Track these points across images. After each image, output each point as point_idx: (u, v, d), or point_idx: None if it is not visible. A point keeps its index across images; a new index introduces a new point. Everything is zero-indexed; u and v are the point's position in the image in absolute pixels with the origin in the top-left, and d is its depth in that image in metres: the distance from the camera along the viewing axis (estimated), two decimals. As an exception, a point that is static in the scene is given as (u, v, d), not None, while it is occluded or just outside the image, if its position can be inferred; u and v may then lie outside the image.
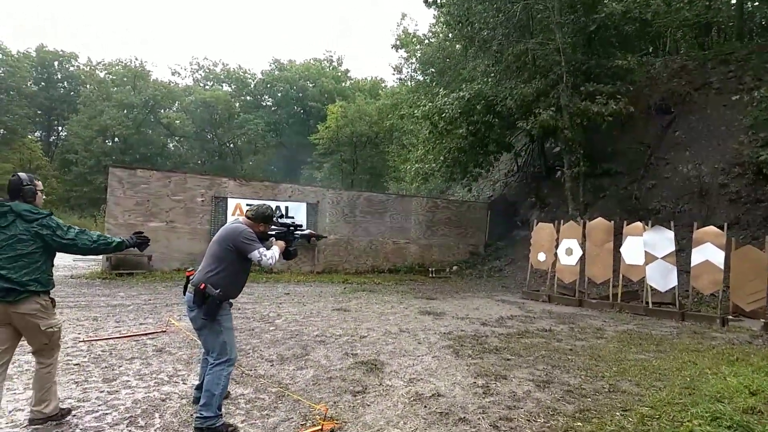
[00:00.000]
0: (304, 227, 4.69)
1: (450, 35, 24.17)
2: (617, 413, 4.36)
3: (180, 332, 6.89)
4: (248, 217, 4.10)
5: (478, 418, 4.20)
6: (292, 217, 4.68)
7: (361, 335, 7.14)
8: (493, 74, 17.11)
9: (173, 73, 66.48)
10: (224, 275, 3.88)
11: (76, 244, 3.67)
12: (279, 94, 51.52)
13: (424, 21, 75.17)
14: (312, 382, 5.08)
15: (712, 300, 10.50)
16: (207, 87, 50.97)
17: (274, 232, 4.35)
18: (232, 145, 49.69)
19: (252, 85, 52.91)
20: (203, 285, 3.78)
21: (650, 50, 20.84)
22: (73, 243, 3.66)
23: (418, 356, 6.14)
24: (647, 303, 10.19)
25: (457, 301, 11.04)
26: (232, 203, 14.48)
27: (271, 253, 3.94)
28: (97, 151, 39.42)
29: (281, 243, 4.27)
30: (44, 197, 3.92)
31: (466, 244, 18.27)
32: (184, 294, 4.07)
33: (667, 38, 22.12)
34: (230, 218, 14.46)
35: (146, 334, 6.73)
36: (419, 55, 28.99)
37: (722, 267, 9.13)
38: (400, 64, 33.62)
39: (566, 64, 14.49)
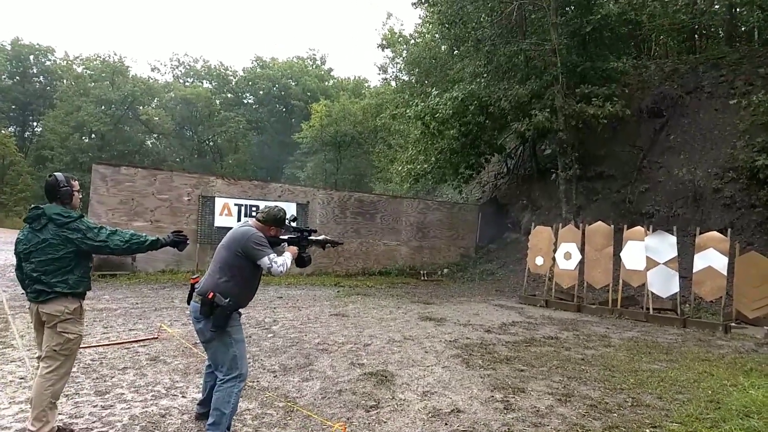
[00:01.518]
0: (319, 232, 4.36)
1: (437, 35, 24.01)
2: (647, 430, 4.13)
3: (173, 339, 6.51)
4: (259, 220, 3.76)
5: (505, 438, 3.94)
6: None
7: (365, 343, 6.82)
8: (485, 75, 16.94)
9: (153, 69, 65.24)
10: (234, 283, 3.55)
11: (108, 246, 3.49)
12: (261, 92, 50.89)
13: (409, 21, 75.18)
14: (320, 395, 4.76)
15: (710, 306, 10.43)
16: (187, 83, 50.14)
17: (286, 237, 4.02)
18: (212, 143, 48.91)
19: (233, 83, 52.19)
20: (211, 294, 3.45)
21: (637, 55, 20.87)
22: (105, 245, 3.48)
23: (428, 366, 5.85)
24: (648, 309, 10.05)
25: (455, 306, 10.79)
26: (219, 203, 14.05)
27: (282, 260, 3.61)
28: (74, 148, 38.44)
29: (294, 249, 3.92)
30: (79, 196, 3.69)
31: (457, 247, 18.07)
32: (188, 303, 3.73)
33: (652, 42, 22.25)
34: (218, 218, 14.05)
35: (137, 341, 6.34)
36: (405, 54, 28.75)
37: (725, 273, 9.03)
38: (386, 63, 33.49)
39: (561, 66, 14.37)
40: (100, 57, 44.59)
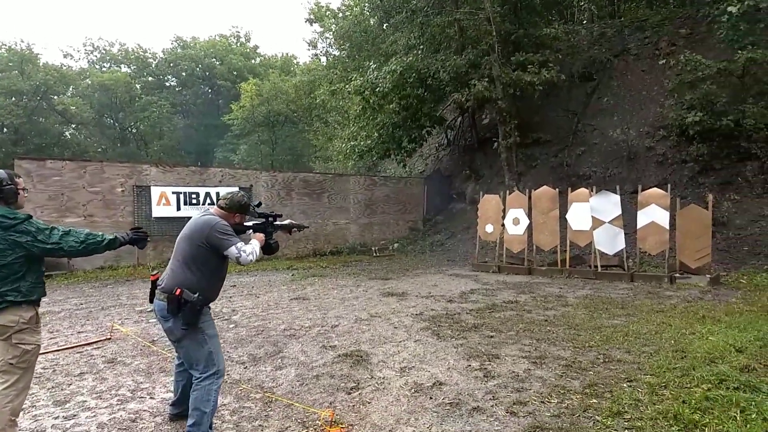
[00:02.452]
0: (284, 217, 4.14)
1: (366, 8, 23.59)
2: (624, 385, 4.27)
3: (128, 338, 6.13)
4: (221, 207, 3.51)
5: (492, 405, 3.95)
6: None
7: (332, 324, 6.69)
8: (422, 46, 16.83)
9: (65, 56, 60.58)
10: (200, 276, 3.33)
11: (62, 248, 3.15)
12: (183, 74, 48.42)
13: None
14: (297, 382, 4.62)
15: (652, 260, 10.98)
16: (104, 69, 47.04)
17: (251, 224, 3.79)
18: (135, 130, 46.36)
19: (153, 65, 49.33)
20: (179, 290, 3.21)
21: (564, 21, 21.34)
22: (58, 247, 3.14)
23: (400, 342, 5.81)
24: (596, 267, 10.46)
25: (412, 279, 10.82)
26: (156, 192, 13.32)
27: (251, 248, 3.41)
28: (-15, 144, 35.49)
29: (260, 236, 3.71)
30: (24, 195, 3.34)
31: (406, 221, 18.11)
32: (151, 301, 3.46)
33: (575, 9, 22.83)
34: (155, 208, 13.36)
35: (90, 344, 5.92)
36: (335, 29, 28.08)
37: (667, 227, 9.49)
38: (315, 38, 32.69)
39: (496, 34, 14.46)
40: (6, 45, 40.98)
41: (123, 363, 5.21)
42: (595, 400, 3.95)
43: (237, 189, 3.85)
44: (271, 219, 3.84)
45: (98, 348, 5.77)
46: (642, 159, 14.10)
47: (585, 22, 21.65)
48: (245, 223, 3.71)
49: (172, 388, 4.04)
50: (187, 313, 3.22)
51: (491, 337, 5.93)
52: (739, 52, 11.17)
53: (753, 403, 3.68)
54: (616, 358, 4.98)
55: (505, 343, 5.66)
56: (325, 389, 4.41)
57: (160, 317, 3.38)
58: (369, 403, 4.09)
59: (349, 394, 4.30)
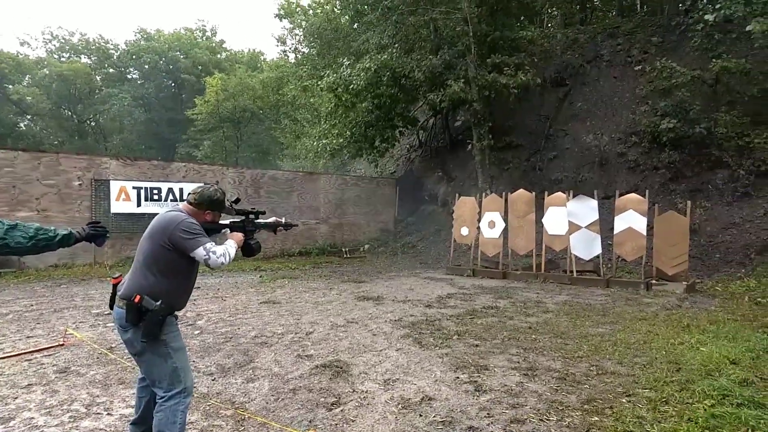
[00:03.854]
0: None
1: (338, 5, 23.16)
2: (623, 400, 4.03)
3: (83, 345, 5.60)
4: (190, 203, 3.05)
5: (488, 424, 3.64)
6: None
7: (307, 331, 6.28)
8: (397, 45, 16.53)
9: (22, 44, 57.84)
10: (164, 281, 2.89)
11: (8, 244, 2.68)
12: (146, 66, 46.70)
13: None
14: (272, 396, 4.21)
15: (626, 265, 10.96)
16: (63, 59, 45.07)
17: (227, 222, 3.36)
18: (93, 123, 44.61)
19: (115, 57, 47.56)
20: (138, 297, 2.78)
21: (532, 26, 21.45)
22: (3, 243, 2.67)
23: (381, 351, 5.46)
24: (571, 272, 10.35)
25: (386, 282, 10.47)
26: (115, 186, 12.62)
27: (222, 250, 2.96)
28: (-68, 133, 33.46)
29: (238, 235, 3.25)
30: None
31: (377, 222, 17.78)
32: (111, 308, 3.01)
33: (545, 15, 23.00)
34: (114, 204, 12.65)
35: (40, 351, 5.36)
36: (305, 25, 27.48)
37: (644, 233, 9.44)
38: (284, 34, 31.91)
39: (473, 35, 14.29)
40: (-45, 30, 38.87)
41: (77, 373, 4.70)
42: (596, 418, 3.69)
43: (209, 184, 3.35)
44: (252, 216, 3.41)
45: (49, 355, 5.23)
46: (614, 165, 14.15)
47: (553, 28, 21.80)
48: (220, 221, 3.28)
49: (132, 404, 3.59)
50: (147, 324, 2.79)
51: (476, 345, 5.64)
52: (713, 60, 11.27)
53: (762, 421, 3.49)
54: (610, 369, 4.75)
55: (492, 352, 5.37)
56: (303, 405, 4.02)
57: (118, 327, 2.94)
58: (353, 421, 3.73)
59: (330, 410, 3.93)
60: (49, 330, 6.28)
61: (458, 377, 4.60)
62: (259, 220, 3.46)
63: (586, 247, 10.20)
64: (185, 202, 3.12)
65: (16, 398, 4.08)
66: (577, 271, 10.36)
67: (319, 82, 16.68)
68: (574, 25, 20.78)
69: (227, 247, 3.03)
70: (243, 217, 3.37)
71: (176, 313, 3.05)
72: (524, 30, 14.81)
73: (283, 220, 3.71)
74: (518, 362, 5.03)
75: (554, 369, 4.80)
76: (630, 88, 15.10)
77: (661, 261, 9.29)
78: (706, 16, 10.24)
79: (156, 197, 13.17)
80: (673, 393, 4.10)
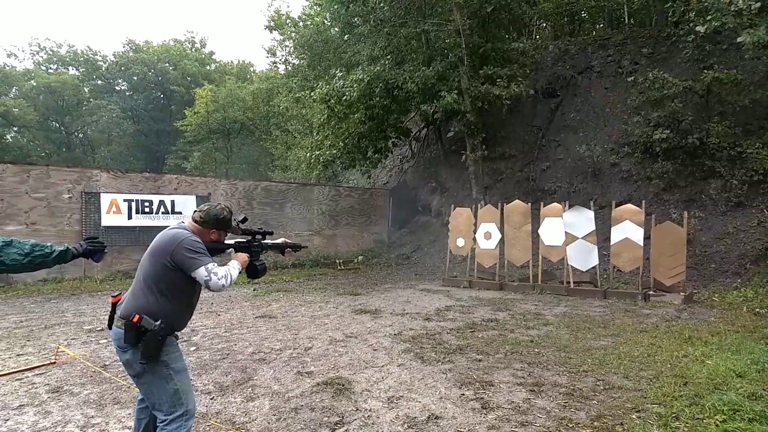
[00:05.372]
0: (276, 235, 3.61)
1: (328, 17, 23.20)
2: (633, 416, 3.96)
3: (75, 363, 5.44)
4: (195, 221, 2.96)
5: (498, 444, 3.55)
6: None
7: (305, 347, 6.16)
8: (389, 57, 16.55)
9: (9, 55, 57.30)
10: (164, 301, 2.79)
11: (3, 262, 2.60)
12: (135, 78, 46.44)
13: (297, 2, 72.78)
14: (274, 416, 4.10)
15: (622, 276, 10.94)
16: (51, 71, 44.75)
17: (233, 242, 3.25)
18: (81, 135, 44.24)
19: (103, 68, 47.26)
20: (137, 316, 2.67)
21: (519, 38, 21.61)
22: None
23: (382, 366, 5.35)
24: (567, 283, 10.31)
25: (383, 295, 10.37)
26: (106, 199, 12.45)
27: (225, 271, 2.85)
28: None
29: (242, 256, 3.14)
30: None
31: (371, 233, 17.69)
32: (110, 327, 2.90)
33: (533, 26, 23.16)
34: (104, 217, 12.46)
35: (31, 369, 5.20)
36: (295, 37, 27.49)
37: (641, 244, 9.43)
38: (274, 46, 31.91)
39: (466, 47, 14.34)
40: (-59, 40, 38.47)
41: (70, 392, 4.56)
42: (608, 436, 3.62)
43: (217, 203, 3.20)
44: (259, 237, 3.31)
45: (41, 374, 5.08)
46: (606, 175, 14.20)
47: (541, 41, 21.98)
48: (226, 241, 3.18)
49: (130, 425, 3.47)
50: (148, 344, 2.68)
51: (479, 360, 5.55)
52: (705, 71, 11.37)
53: (776, 437, 3.43)
54: (616, 384, 4.69)
55: (496, 367, 5.29)
56: (306, 424, 3.91)
57: (117, 347, 2.83)
58: (359, 441, 3.63)
59: (334, 430, 3.82)
60: (40, 347, 6.12)
61: (464, 394, 4.51)
62: (266, 241, 3.36)
63: (583, 258, 10.17)
64: (190, 220, 3.02)
65: (7, 420, 3.94)
66: (574, 282, 10.33)
67: (312, 94, 16.63)
68: (563, 37, 20.93)
69: (230, 269, 2.93)
70: (249, 237, 3.27)
71: (176, 333, 2.95)
72: (516, 42, 14.87)
73: (291, 241, 3.60)
74: (523, 377, 4.95)
75: (560, 384, 4.73)
76: (621, 99, 15.19)
77: (659, 272, 9.28)
78: (698, 28, 10.31)
79: (147, 210, 13.01)
80: (683, 408, 4.04)
